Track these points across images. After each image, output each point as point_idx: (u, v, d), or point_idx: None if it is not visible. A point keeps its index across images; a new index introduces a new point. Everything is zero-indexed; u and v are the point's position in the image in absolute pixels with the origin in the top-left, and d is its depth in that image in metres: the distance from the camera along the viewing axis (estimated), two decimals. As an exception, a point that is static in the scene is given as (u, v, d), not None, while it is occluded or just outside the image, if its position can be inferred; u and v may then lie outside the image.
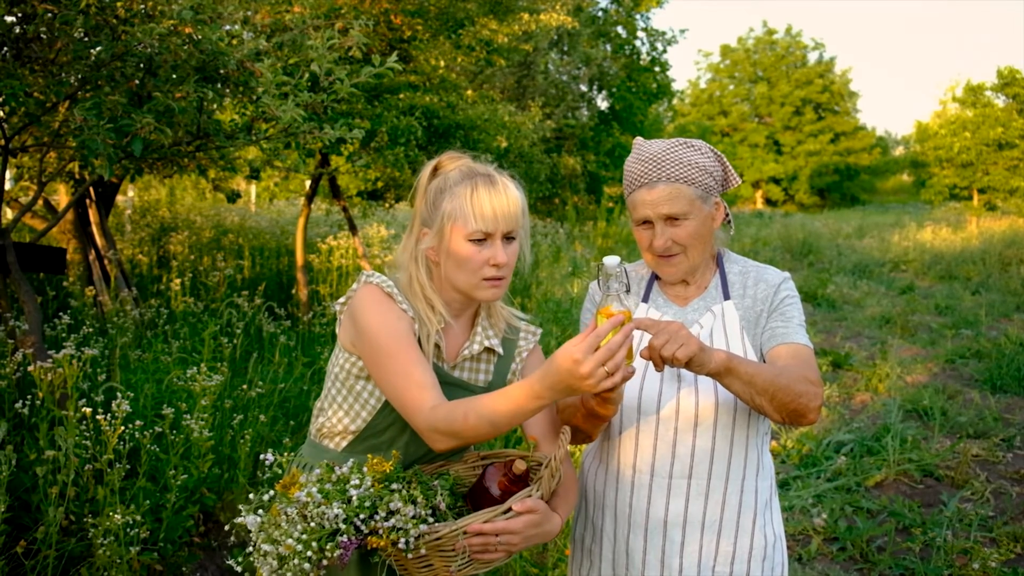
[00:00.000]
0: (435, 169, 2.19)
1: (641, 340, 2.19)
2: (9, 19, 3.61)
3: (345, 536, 1.83)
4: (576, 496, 2.21)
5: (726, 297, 2.31)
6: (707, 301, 2.33)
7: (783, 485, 5.81)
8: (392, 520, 1.85)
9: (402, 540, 1.84)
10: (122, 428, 3.36)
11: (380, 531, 1.85)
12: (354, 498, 1.86)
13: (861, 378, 8.74)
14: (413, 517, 1.87)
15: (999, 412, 7.49)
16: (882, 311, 12.78)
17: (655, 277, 2.40)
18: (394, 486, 1.91)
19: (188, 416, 4.00)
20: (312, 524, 1.83)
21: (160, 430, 3.82)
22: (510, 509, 1.91)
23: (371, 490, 1.88)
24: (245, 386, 4.79)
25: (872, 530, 5.08)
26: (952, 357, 9.71)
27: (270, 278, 9.01)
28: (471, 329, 2.26)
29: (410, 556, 1.89)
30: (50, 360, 3.53)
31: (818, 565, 4.74)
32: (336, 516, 1.82)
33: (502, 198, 2.07)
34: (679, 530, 2.24)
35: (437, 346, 2.17)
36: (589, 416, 2.06)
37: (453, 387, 2.16)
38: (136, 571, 3.40)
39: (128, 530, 3.33)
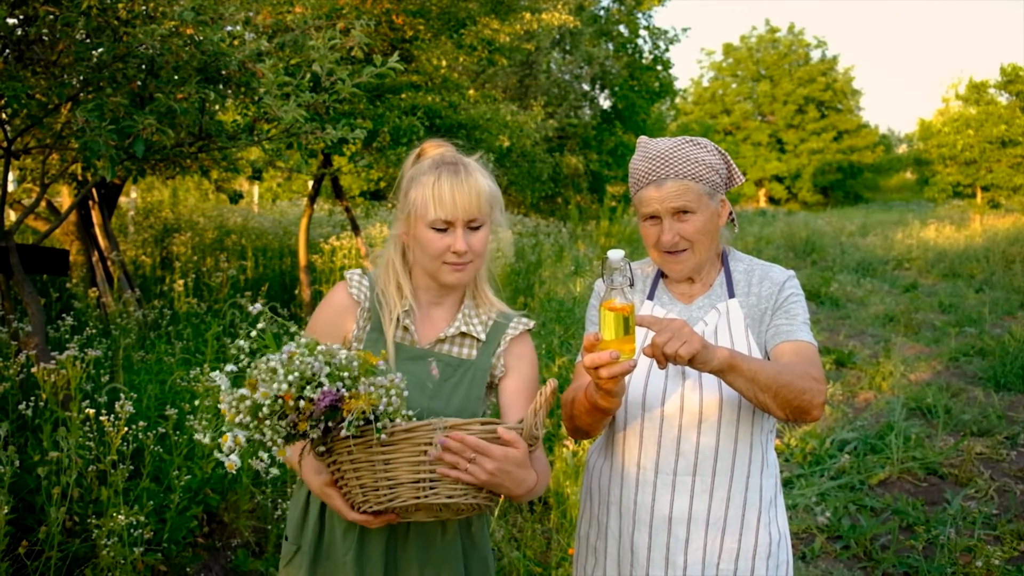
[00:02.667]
0: (418, 155, 2.26)
1: (646, 337, 2.19)
2: (11, 21, 3.62)
3: (328, 386, 1.81)
4: (547, 479, 2.18)
5: (731, 295, 2.31)
6: (712, 299, 2.33)
7: (786, 483, 5.81)
8: (374, 382, 1.84)
9: (383, 403, 1.83)
10: (125, 429, 3.37)
11: (360, 395, 1.83)
12: (343, 358, 1.85)
13: (865, 376, 8.74)
14: (399, 384, 1.87)
15: (1003, 410, 7.49)
16: (886, 309, 12.76)
17: (660, 275, 2.41)
18: (389, 377, 1.89)
19: (191, 417, 4.01)
20: (296, 370, 1.81)
21: (163, 431, 3.83)
22: (495, 430, 1.91)
23: (358, 364, 1.87)
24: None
25: (876, 528, 5.08)
26: (956, 355, 9.70)
27: (273, 279, 9.02)
28: (455, 315, 2.29)
29: (384, 437, 1.86)
30: (53, 361, 3.54)
31: (822, 563, 4.74)
32: (320, 370, 1.82)
33: (463, 188, 2.11)
34: (684, 527, 2.24)
35: (406, 328, 2.23)
36: (592, 410, 2.06)
37: (421, 360, 2.21)
38: (140, 572, 3.40)
39: (132, 531, 3.33)
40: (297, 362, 1.82)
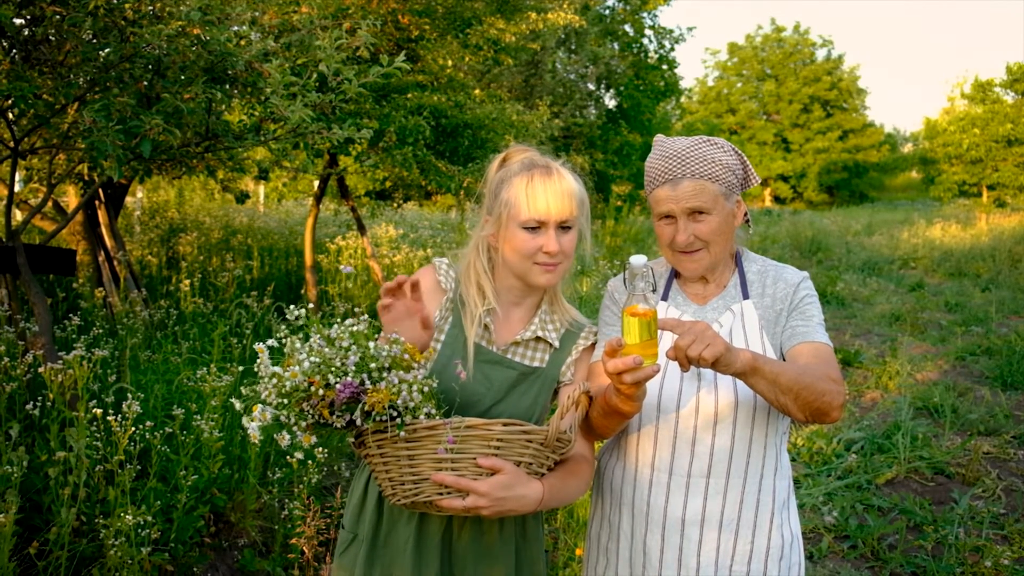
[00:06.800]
0: (503, 161, 2.29)
1: (661, 337, 2.19)
2: (18, 21, 3.62)
3: (351, 377, 1.84)
4: (579, 481, 2.22)
5: (745, 296, 2.30)
6: (726, 300, 2.32)
7: (794, 483, 5.80)
8: (398, 377, 1.87)
9: (402, 395, 1.85)
10: (132, 429, 3.37)
11: (382, 390, 1.86)
12: (373, 350, 1.88)
13: (871, 376, 8.72)
14: (419, 389, 1.89)
15: (1010, 409, 7.47)
16: (892, 308, 12.75)
17: (674, 275, 2.40)
18: (413, 373, 1.92)
19: (198, 417, 4.01)
20: (327, 352, 1.86)
21: (170, 431, 3.83)
22: (515, 430, 1.95)
23: (393, 359, 1.90)
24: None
25: (883, 528, 5.07)
26: (962, 354, 9.68)
27: (279, 278, 9.03)
28: (531, 318, 2.32)
29: (402, 433, 1.89)
30: (60, 361, 3.54)
31: (829, 563, 4.73)
32: (350, 360, 1.85)
33: (556, 188, 2.15)
34: (697, 529, 2.23)
35: (486, 326, 2.26)
36: (610, 413, 2.06)
37: (497, 365, 2.25)
38: (147, 571, 3.40)
39: (139, 531, 3.34)
40: (326, 348, 1.86)
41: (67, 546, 3.28)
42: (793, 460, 6.24)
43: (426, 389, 1.91)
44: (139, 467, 3.57)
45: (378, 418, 1.87)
